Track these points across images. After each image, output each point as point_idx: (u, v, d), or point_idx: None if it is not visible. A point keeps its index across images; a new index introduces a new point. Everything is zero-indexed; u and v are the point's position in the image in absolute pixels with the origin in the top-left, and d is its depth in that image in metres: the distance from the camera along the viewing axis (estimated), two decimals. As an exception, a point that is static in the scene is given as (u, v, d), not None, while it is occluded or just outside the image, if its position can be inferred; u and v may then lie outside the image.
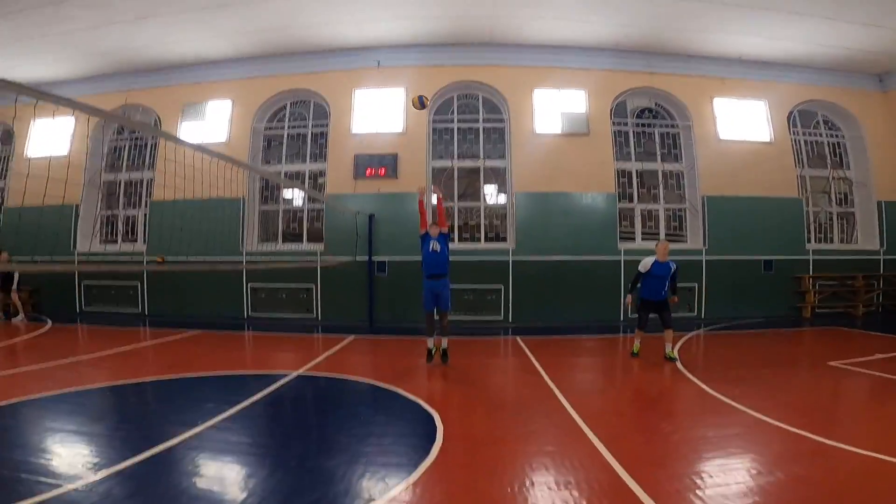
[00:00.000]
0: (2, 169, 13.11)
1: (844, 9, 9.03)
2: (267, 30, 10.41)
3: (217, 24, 10.10)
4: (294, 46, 11.15)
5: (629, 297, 6.96)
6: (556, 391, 5.09)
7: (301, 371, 6.06)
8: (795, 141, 11.77)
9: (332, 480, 3.00)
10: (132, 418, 4.39)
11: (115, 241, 12.14)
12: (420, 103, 7.23)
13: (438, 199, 6.42)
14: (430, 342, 6.22)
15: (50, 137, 11.30)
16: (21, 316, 10.29)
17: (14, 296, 10.34)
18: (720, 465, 3.23)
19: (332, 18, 10.02)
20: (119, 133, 12.71)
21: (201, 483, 2.98)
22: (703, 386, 5.29)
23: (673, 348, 6.52)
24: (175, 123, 11.86)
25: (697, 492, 2.81)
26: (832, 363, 6.34)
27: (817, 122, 12.07)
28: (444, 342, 6.28)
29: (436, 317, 6.22)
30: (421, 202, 6.36)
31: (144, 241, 11.74)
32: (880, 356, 6.68)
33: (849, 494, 2.79)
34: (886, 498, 2.74)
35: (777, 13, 9.35)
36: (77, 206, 11.70)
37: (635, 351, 6.81)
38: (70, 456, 3.38)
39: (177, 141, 4.29)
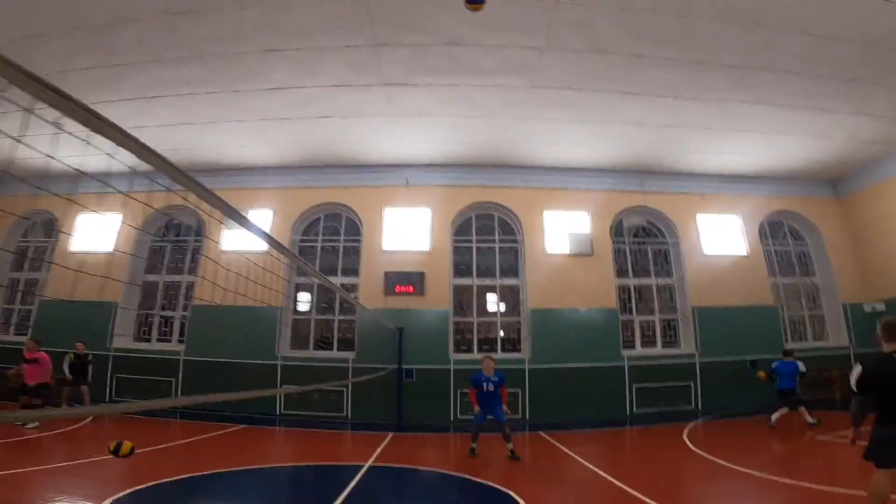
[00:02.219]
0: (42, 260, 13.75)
1: (799, 125, 10.75)
2: (313, 143, 11.73)
3: (273, 133, 11.20)
4: (333, 160, 12.59)
5: None
6: (601, 472, 6.03)
7: (371, 462, 6.83)
8: (767, 252, 13.59)
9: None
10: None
11: (149, 340, 12.81)
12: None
13: (503, 389, 7.36)
14: (474, 444, 7.14)
15: (95, 232, 12.10)
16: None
17: (85, 389, 10.51)
18: None
19: (373, 137, 11.41)
20: (163, 236, 13.81)
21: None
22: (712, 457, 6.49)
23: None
24: (218, 228, 13.04)
25: None
26: (820, 438, 7.85)
27: (784, 234, 14.02)
28: (510, 445, 6.98)
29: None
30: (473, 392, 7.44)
31: (179, 340, 12.49)
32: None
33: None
34: None
35: (747, 132, 11.10)
36: (115, 304, 12.39)
37: None
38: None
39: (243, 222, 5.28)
